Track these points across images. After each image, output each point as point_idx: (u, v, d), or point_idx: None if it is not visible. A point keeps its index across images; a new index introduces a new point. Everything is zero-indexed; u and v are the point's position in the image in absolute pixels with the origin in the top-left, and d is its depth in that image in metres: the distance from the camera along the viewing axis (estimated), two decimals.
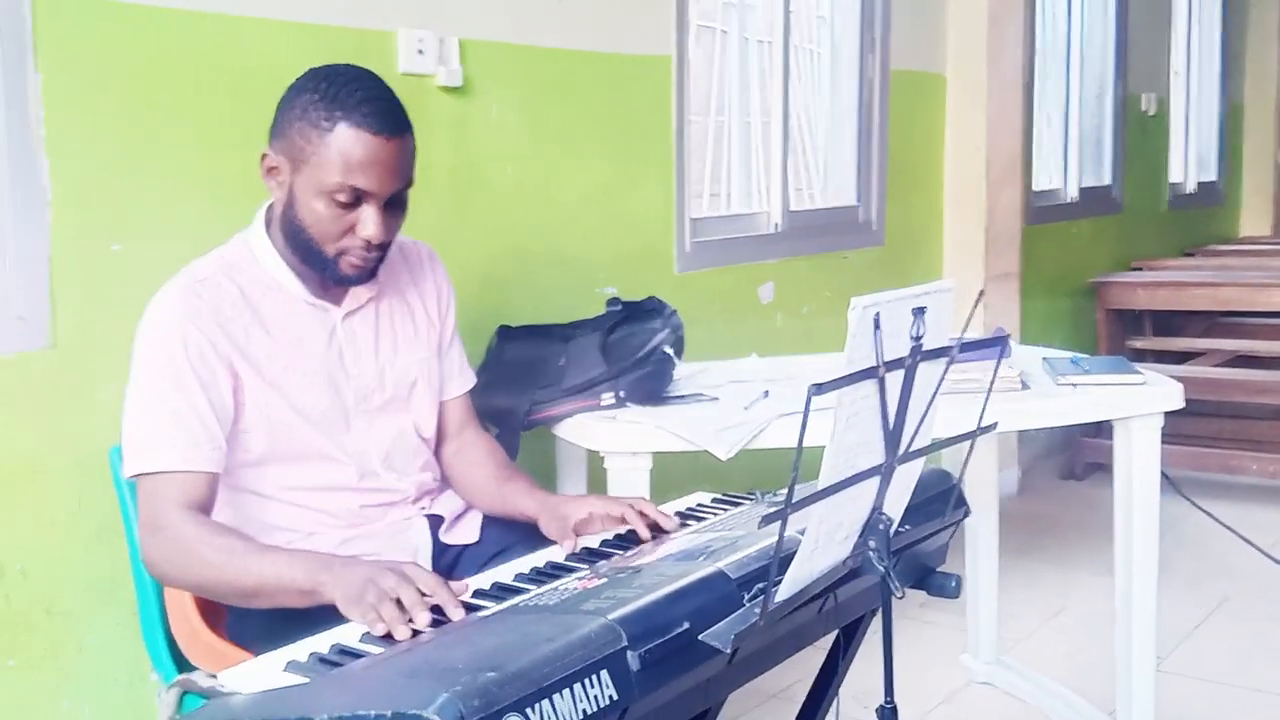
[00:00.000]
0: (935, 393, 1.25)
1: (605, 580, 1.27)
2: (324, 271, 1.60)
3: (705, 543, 1.42)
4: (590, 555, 1.55)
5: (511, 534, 1.77)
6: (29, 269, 1.79)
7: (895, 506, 1.30)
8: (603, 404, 2.14)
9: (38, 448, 1.81)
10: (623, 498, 1.66)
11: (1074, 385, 2.22)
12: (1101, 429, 4.07)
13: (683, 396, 2.22)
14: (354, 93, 1.52)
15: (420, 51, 2.31)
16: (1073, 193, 5.05)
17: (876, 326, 1.11)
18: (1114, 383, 2.22)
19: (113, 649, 1.91)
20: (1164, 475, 4.20)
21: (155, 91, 1.93)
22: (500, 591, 1.40)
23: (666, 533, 1.58)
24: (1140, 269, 5.35)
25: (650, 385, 2.16)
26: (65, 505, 1.84)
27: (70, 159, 1.83)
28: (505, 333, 2.37)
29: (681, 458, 2.02)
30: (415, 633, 1.25)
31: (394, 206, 1.58)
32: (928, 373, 1.23)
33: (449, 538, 1.79)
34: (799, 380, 2.39)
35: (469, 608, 1.31)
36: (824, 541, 1.20)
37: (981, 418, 1.37)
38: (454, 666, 1.00)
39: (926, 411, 1.25)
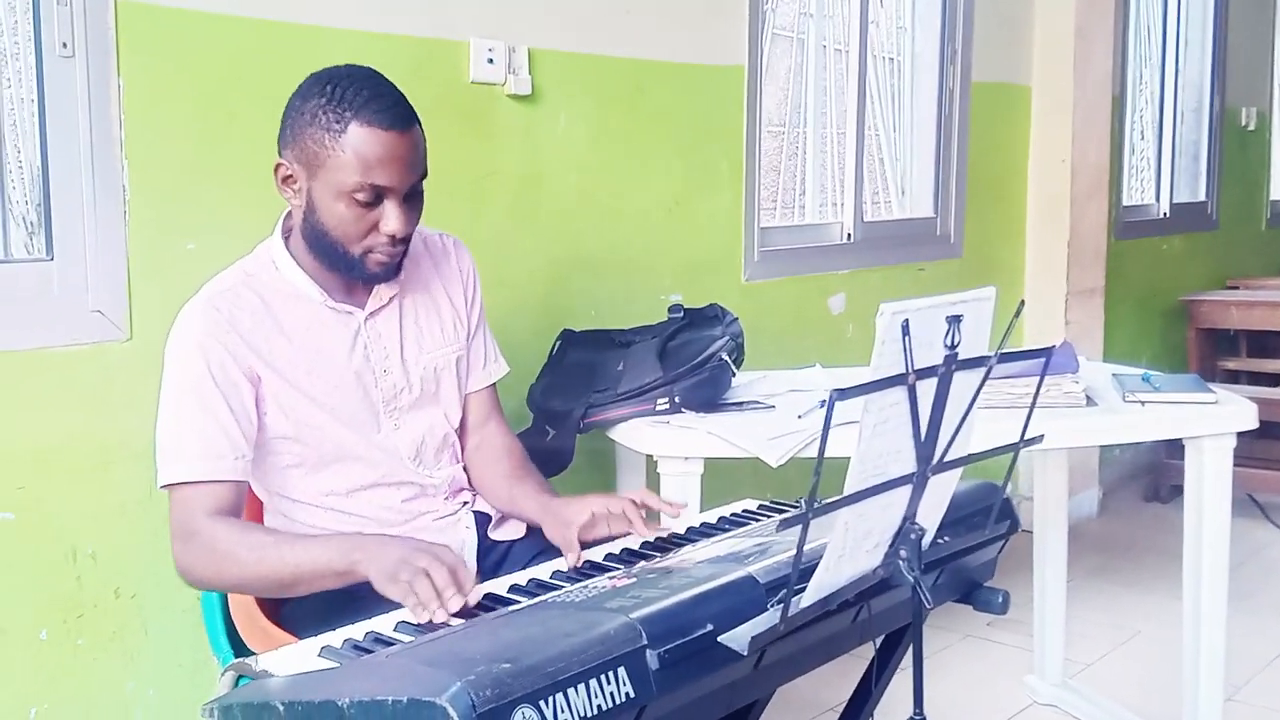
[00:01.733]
0: (972, 403, 1.24)
1: (634, 580, 1.28)
2: (350, 272, 1.60)
3: (742, 548, 1.42)
4: (630, 556, 1.56)
5: None
6: (108, 265, 1.87)
7: (930, 517, 1.29)
8: (657, 409, 2.15)
9: (111, 437, 1.89)
10: (624, 494, 1.64)
11: (1141, 403, 2.16)
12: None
13: (738, 404, 2.22)
14: (360, 92, 1.52)
15: (490, 61, 2.35)
16: (1165, 208, 4.92)
17: (905, 333, 1.10)
18: (1184, 401, 2.16)
19: (178, 633, 1.98)
20: (1251, 499, 4.07)
21: (229, 98, 2.00)
22: (536, 588, 1.42)
23: (676, 533, 1.59)
24: (1236, 287, 5.18)
25: (706, 391, 2.17)
26: (135, 494, 1.92)
27: (148, 161, 1.90)
28: (568, 337, 2.40)
29: (738, 465, 2.02)
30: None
31: (412, 199, 1.58)
32: (966, 383, 1.22)
33: (497, 534, 1.81)
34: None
35: (501, 602, 1.34)
36: (851, 549, 1.19)
37: (1025, 430, 1.35)
38: (471, 657, 1.02)
39: (962, 422, 1.24)
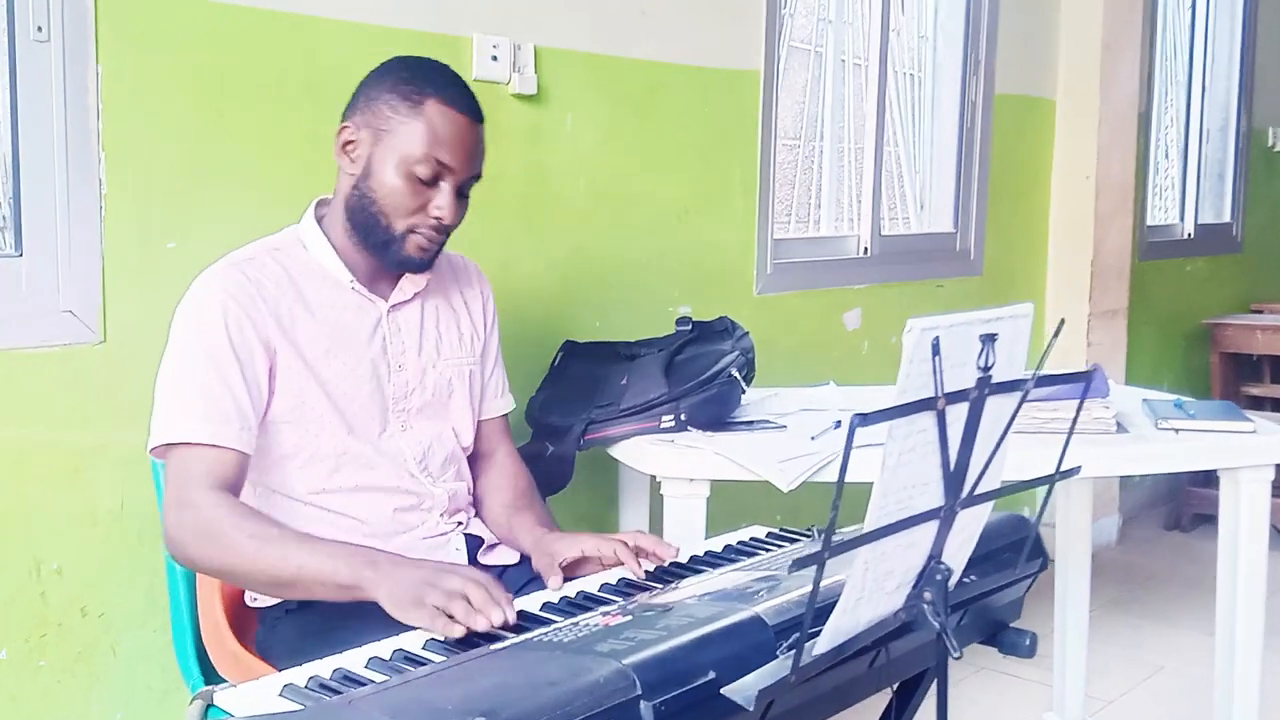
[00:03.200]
0: (1006, 431, 1.12)
1: (629, 618, 1.17)
2: (386, 251, 1.56)
3: (747, 583, 1.30)
4: (628, 588, 1.44)
5: None
6: (81, 263, 1.77)
7: (957, 555, 1.17)
8: (662, 426, 2.04)
9: (81, 444, 1.78)
10: (619, 534, 1.56)
11: (1176, 430, 2.04)
12: (1210, 478, 3.82)
13: (748, 422, 2.10)
14: (442, 74, 1.57)
15: (494, 58, 2.25)
16: (1189, 229, 4.79)
17: (935, 352, 0.98)
18: (1220, 429, 2.04)
19: (148, 655, 1.87)
20: (1277, 530, 3.94)
21: (220, 89, 1.90)
22: (523, 621, 1.31)
23: (675, 568, 1.50)
24: (1260, 311, 5.05)
25: (713, 409, 2.06)
26: (107, 505, 1.81)
27: (127, 154, 1.80)
28: (571, 348, 2.30)
29: (746, 488, 1.91)
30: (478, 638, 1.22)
31: (463, 195, 1.58)
32: (999, 408, 1.10)
33: (488, 559, 1.71)
34: None
35: (483, 637, 1.23)
36: (871, 590, 1.07)
37: (1061, 461, 1.24)
38: (442, 708, 0.91)
39: (995, 451, 1.12)
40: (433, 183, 1.54)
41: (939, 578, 1.13)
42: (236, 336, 1.49)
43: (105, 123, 1.77)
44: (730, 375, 2.08)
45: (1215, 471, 2.07)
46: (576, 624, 1.18)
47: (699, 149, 2.68)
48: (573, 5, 2.40)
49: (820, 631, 1.04)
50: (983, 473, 1.12)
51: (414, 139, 1.52)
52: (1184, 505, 4.23)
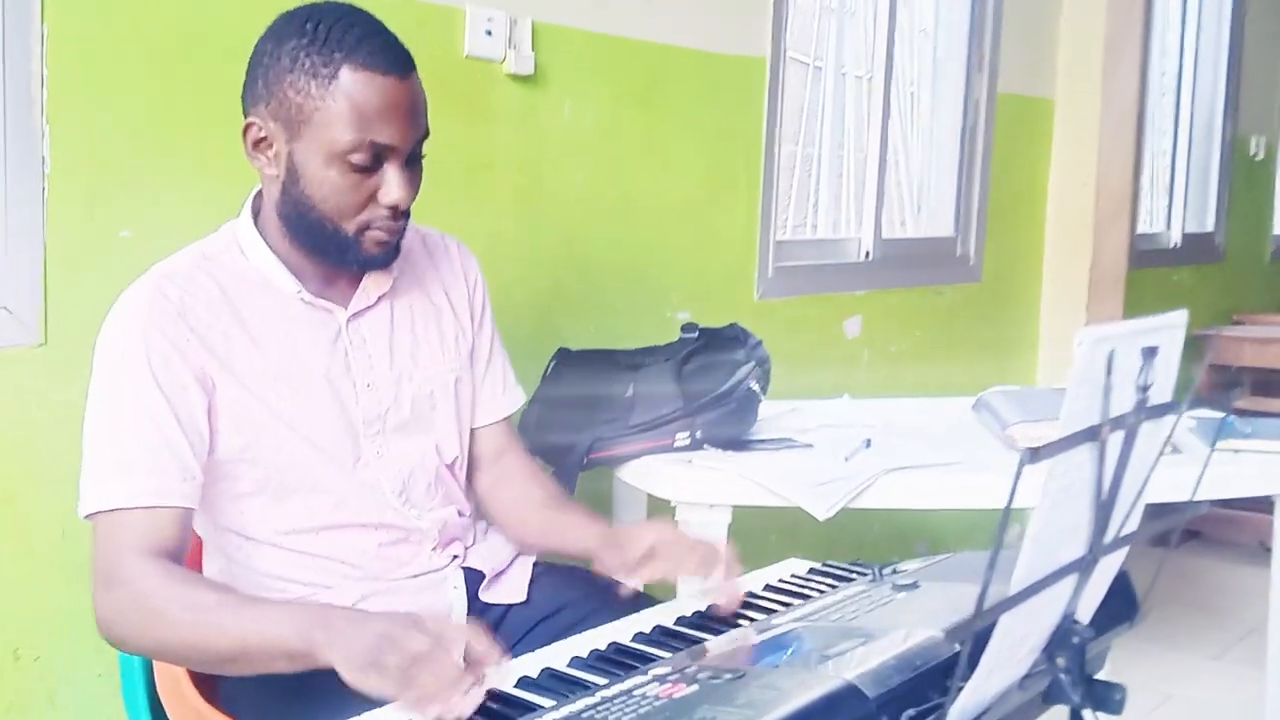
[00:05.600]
0: (1155, 462, 0.94)
1: (695, 688, 0.96)
2: (343, 257, 1.32)
3: (821, 638, 1.10)
4: (664, 636, 1.24)
5: (566, 592, 1.48)
6: (19, 251, 1.54)
7: (1088, 611, 0.99)
8: (676, 444, 1.84)
9: (17, 464, 1.55)
10: (698, 541, 1.35)
11: (1235, 451, 1.88)
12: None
13: (769, 441, 1.91)
14: (350, 29, 1.26)
15: (489, 33, 2.04)
16: (1176, 237, 4.69)
17: (1109, 370, 0.79)
18: None
19: (91, 704, 1.64)
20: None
21: (185, 55, 1.68)
22: (552, 683, 1.10)
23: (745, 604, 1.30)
24: (1241, 322, 4.96)
25: (733, 426, 1.86)
26: (46, 534, 1.58)
27: (76, 128, 1.58)
28: (565, 356, 2.08)
29: (763, 513, 1.72)
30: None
31: (413, 164, 1.32)
32: (1149, 436, 0.92)
33: (490, 596, 1.49)
34: (903, 429, 2.08)
35: (504, 701, 1.02)
36: (1005, 658, 0.88)
37: (1196, 489, 1.06)
38: None
39: (1144, 485, 0.93)
40: (375, 166, 1.28)
41: (1075, 640, 0.94)
42: (162, 373, 1.25)
43: (51, 91, 1.54)
44: (749, 388, 1.89)
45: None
46: (630, 694, 0.97)
47: (702, 140, 2.49)
48: None
49: (943, 705, 0.85)
50: (1130, 511, 0.94)
51: (337, 124, 1.24)
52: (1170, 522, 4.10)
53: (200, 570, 1.41)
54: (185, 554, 1.25)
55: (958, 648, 0.99)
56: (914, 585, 1.26)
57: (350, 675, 1.05)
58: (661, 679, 1.01)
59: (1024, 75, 3.54)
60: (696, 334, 2.09)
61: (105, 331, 1.28)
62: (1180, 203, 4.71)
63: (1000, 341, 3.56)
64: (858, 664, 0.97)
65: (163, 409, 1.24)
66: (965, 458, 1.88)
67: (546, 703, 1.01)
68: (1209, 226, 4.97)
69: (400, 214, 1.31)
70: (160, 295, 1.27)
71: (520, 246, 2.15)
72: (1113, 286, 3.84)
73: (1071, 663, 0.93)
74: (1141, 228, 4.44)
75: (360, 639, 1.07)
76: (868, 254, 3.02)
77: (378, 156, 1.27)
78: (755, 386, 1.93)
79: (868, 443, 1.88)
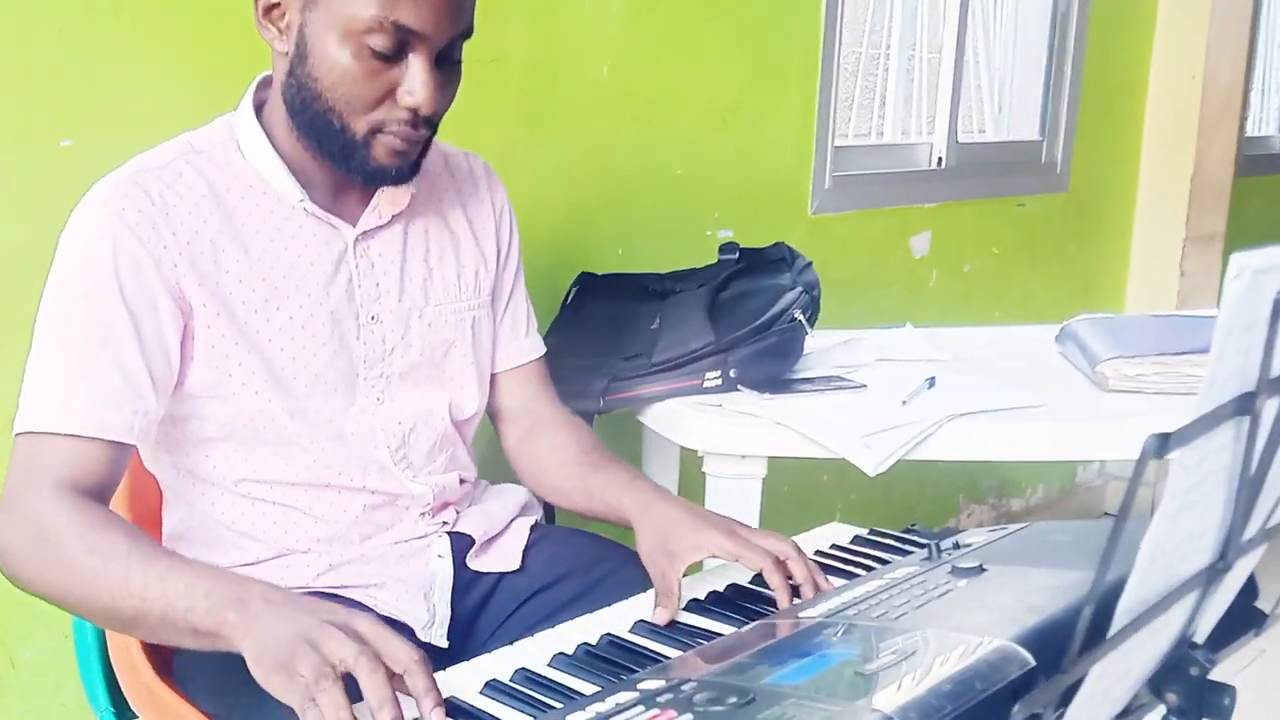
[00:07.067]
0: None
1: (689, 718, 0.75)
2: (349, 161, 1.14)
3: (858, 643, 0.87)
4: (650, 633, 1.04)
5: (563, 563, 1.29)
6: None
7: (1207, 627, 0.74)
8: (706, 385, 1.61)
9: None
10: (764, 537, 1.11)
11: None
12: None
13: (814, 380, 1.67)
14: None
15: None
16: None
17: (1276, 316, 0.53)
18: None
19: (59, 663, 1.50)
20: None
21: None
22: (526, 682, 0.93)
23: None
24: None
25: (772, 363, 1.63)
26: None
27: (5, 22, 1.37)
28: (587, 282, 1.86)
29: (800, 463, 1.51)
30: None
31: (446, 67, 1.14)
32: None
33: (479, 564, 1.30)
34: (973, 364, 1.82)
35: (470, 715, 0.85)
36: (1097, 706, 0.64)
37: None
38: None
39: None
40: (398, 56, 1.10)
41: (1194, 671, 0.70)
42: (131, 283, 1.09)
43: None
44: (794, 318, 1.65)
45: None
46: (615, 711, 0.77)
47: (751, 32, 2.21)
48: None
49: None
50: (1277, 504, 0.68)
51: None
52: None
53: (161, 523, 1.25)
54: (110, 495, 1.09)
55: (1032, 662, 0.76)
56: (978, 570, 1.03)
57: (255, 672, 0.89)
58: (650, 699, 0.80)
59: None
60: (737, 255, 1.84)
61: (67, 231, 1.12)
62: None
63: (1088, 260, 3.25)
64: (900, 689, 0.74)
65: (123, 325, 1.08)
66: (1046, 400, 1.61)
67: (510, 717, 0.85)
68: None
69: (422, 121, 1.13)
70: (137, 189, 1.11)
71: (535, 155, 1.92)
72: (1217, 196, 3.50)
73: (1187, 700, 0.69)
74: (1251, 131, 4.07)
75: (277, 631, 0.89)
76: (940, 160, 2.72)
77: (402, 44, 1.09)
78: (800, 317, 1.68)
79: (931, 382, 1.63)
